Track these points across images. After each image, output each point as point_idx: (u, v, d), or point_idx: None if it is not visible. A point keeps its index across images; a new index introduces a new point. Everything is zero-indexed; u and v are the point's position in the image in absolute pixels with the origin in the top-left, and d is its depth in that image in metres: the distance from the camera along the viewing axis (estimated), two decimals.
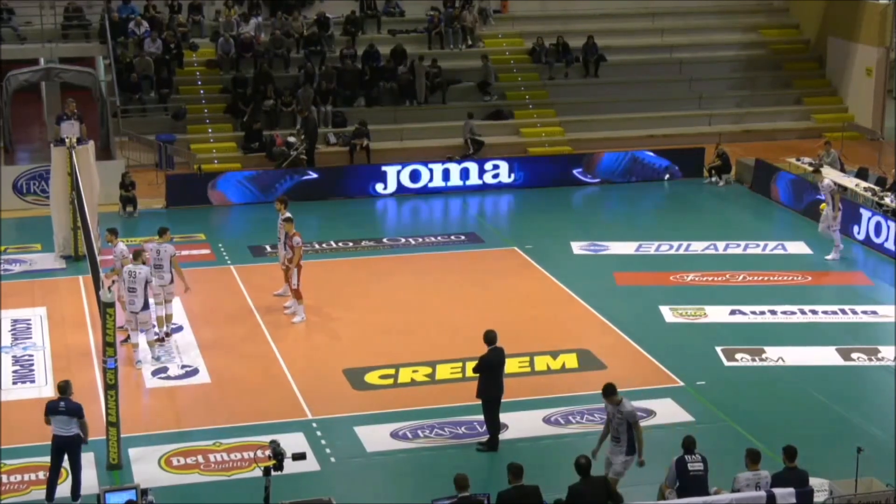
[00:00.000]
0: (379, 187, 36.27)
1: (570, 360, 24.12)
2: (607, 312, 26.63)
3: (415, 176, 36.44)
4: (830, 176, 32.21)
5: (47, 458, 18.86)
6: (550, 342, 24.99)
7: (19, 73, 39.10)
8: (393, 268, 29.96)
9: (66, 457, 18.52)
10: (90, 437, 18.82)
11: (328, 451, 20.43)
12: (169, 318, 25.18)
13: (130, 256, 24.16)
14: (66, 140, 30.16)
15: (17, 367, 23.62)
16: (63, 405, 18.41)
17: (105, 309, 19.46)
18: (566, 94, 43.35)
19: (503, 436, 20.64)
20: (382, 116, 41.08)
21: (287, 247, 25.98)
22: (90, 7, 43.25)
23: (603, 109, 42.91)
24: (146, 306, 23.59)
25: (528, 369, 23.64)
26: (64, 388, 18.62)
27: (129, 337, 23.97)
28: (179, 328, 25.74)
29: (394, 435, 20.96)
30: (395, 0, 45.49)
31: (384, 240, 32.18)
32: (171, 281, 25.02)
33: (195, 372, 23.65)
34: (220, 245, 31.52)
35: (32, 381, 23.11)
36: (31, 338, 25.24)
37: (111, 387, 19.45)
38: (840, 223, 30.35)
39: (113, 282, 24.15)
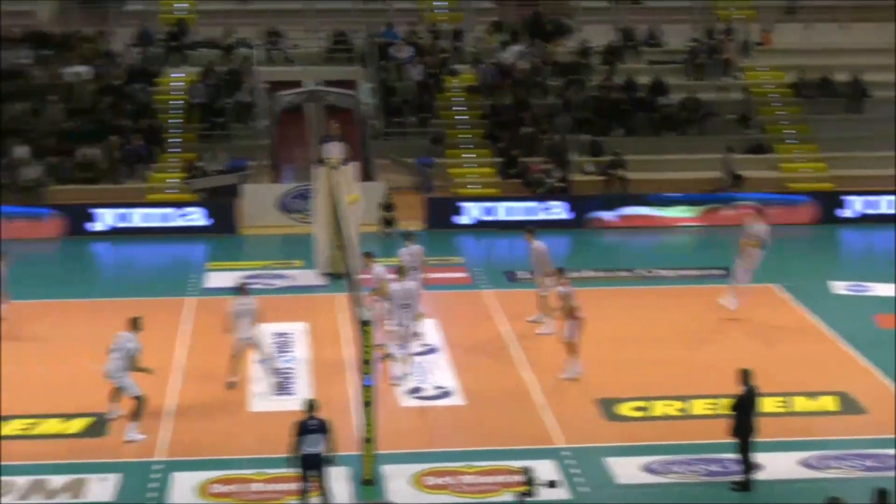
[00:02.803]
0: (630, 217, 36.10)
1: (830, 403, 23.47)
2: (868, 355, 25.84)
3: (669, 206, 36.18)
4: None
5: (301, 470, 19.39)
6: (808, 383, 24.38)
7: (286, 95, 40.29)
8: (647, 299, 29.72)
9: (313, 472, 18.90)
10: (336, 453, 19.13)
11: (579, 480, 20.33)
12: (416, 335, 25.45)
13: (389, 276, 24.59)
14: (330, 160, 30.91)
15: (278, 380, 24.21)
16: (314, 423, 18.79)
17: (363, 327, 19.80)
18: (829, 129, 42.28)
19: (757, 476, 20.20)
20: (640, 146, 40.82)
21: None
22: (355, 32, 44.34)
23: (867, 146, 41.64)
24: (401, 323, 23.96)
25: (785, 409, 23.09)
26: (312, 406, 19.02)
27: (387, 354, 24.42)
28: (434, 349, 26.06)
29: (646, 468, 20.73)
30: (656, 30, 45.27)
31: (638, 270, 31.95)
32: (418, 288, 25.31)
33: (449, 393, 23.88)
34: (476, 269, 31.81)
35: (291, 394, 23.68)
36: (291, 351, 25.92)
37: (368, 404, 19.76)
38: None
39: (373, 301, 24.61)
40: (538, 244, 27.29)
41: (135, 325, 22.16)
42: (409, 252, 26.80)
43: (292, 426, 18.67)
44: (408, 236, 27.51)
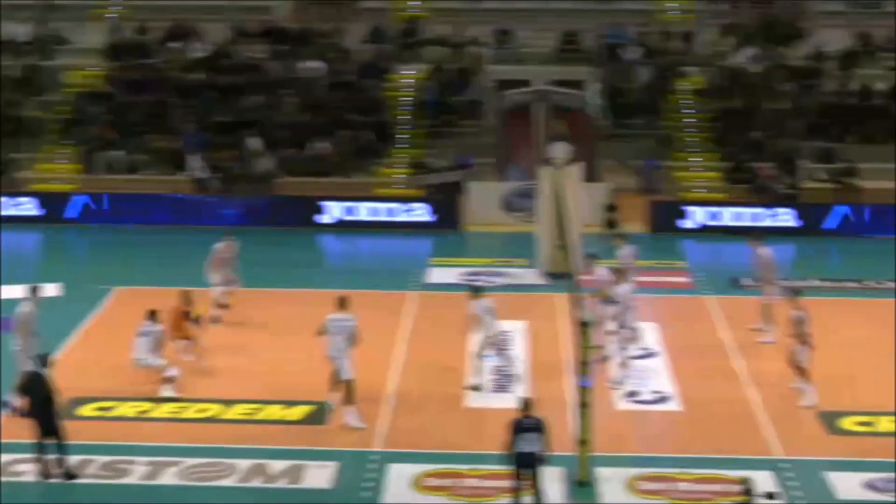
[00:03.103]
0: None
1: None
2: None
3: None
4: None
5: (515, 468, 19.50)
6: None
7: (514, 94, 40.42)
8: (874, 311, 28.83)
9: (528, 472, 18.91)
10: (549, 452, 19.10)
11: (797, 493, 19.87)
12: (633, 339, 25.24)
13: (614, 279, 24.48)
14: (555, 161, 30.85)
15: (496, 377, 24.34)
16: (530, 422, 18.79)
17: (582, 328, 19.72)
18: None
19: None
20: (875, 155, 39.61)
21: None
22: (586, 32, 44.20)
23: None
24: (625, 325, 23.79)
25: None
26: (528, 405, 19.01)
27: (605, 357, 24.32)
28: (653, 354, 25.83)
29: (868, 485, 20.12)
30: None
31: (866, 281, 31.08)
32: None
33: (667, 398, 23.63)
34: (699, 274, 31.42)
35: (509, 392, 23.75)
36: (510, 349, 26.00)
37: (584, 405, 19.68)
38: None
39: (593, 302, 24.54)
40: (764, 251, 26.78)
41: (342, 304, 22.56)
42: (623, 254, 26.64)
43: (508, 424, 18.71)
44: (622, 238, 27.38)
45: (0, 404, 22.09)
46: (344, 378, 22.12)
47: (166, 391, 23.21)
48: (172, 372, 23.42)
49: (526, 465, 18.69)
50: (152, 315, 23.70)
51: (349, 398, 22.11)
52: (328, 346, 22.29)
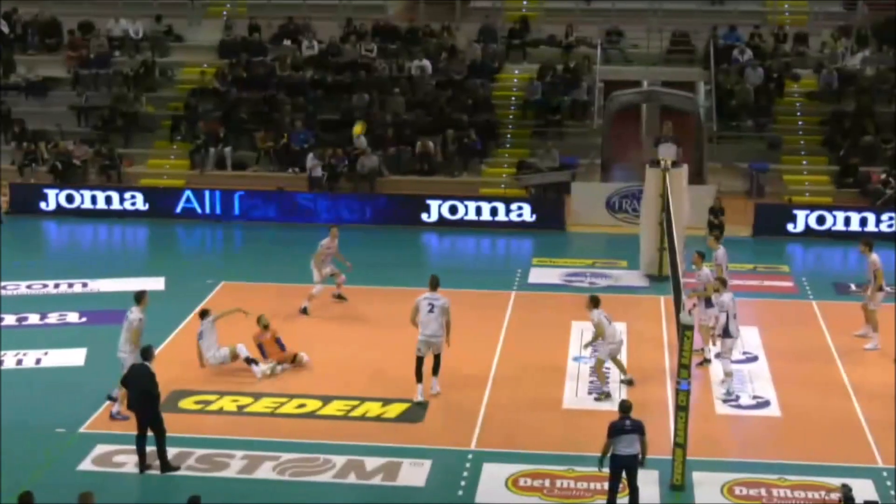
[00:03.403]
0: None
1: None
2: None
3: None
4: None
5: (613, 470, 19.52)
6: None
7: (622, 95, 40.23)
8: None
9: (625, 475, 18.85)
10: (649, 455, 19.02)
11: None
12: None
13: (716, 283, 24.28)
14: (662, 162, 30.71)
15: (594, 379, 24.23)
16: (629, 424, 18.71)
17: (683, 331, 19.59)
18: None
19: None
20: None
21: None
22: (697, 33, 43.88)
23: None
24: (728, 333, 23.54)
25: None
26: (628, 407, 18.93)
27: (705, 360, 24.15)
28: (755, 358, 25.57)
29: None
30: None
31: None
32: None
33: (766, 404, 23.36)
34: (804, 278, 31.05)
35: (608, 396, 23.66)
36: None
37: (682, 408, 19.53)
38: None
39: (694, 305, 24.36)
40: (874, 257, 26.36)
41: (434, 284, 23.37)
42: (717, 255, 26.35)
43: (609, 427, 18.67)
44: (716, 239, 27.17)
45: (107, 398, 22.48)
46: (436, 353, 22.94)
47: (259, 367, 24.07)
48: (244, 352, 24.06)
49: (623, 467, 18.66)
50: (203, 314, 24.23)
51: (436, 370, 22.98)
52: (422, 327, 22.68)
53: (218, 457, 20.71)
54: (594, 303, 23.56)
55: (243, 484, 19.97)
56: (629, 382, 23.91)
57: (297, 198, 37.10)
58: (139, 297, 22.41)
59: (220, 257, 34.96)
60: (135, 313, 21.99)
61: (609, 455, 18.66)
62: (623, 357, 24.61)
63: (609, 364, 23.85)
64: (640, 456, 18.74)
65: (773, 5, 45.58)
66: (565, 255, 33.46)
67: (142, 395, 20.03)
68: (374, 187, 38.59)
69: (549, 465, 20.53)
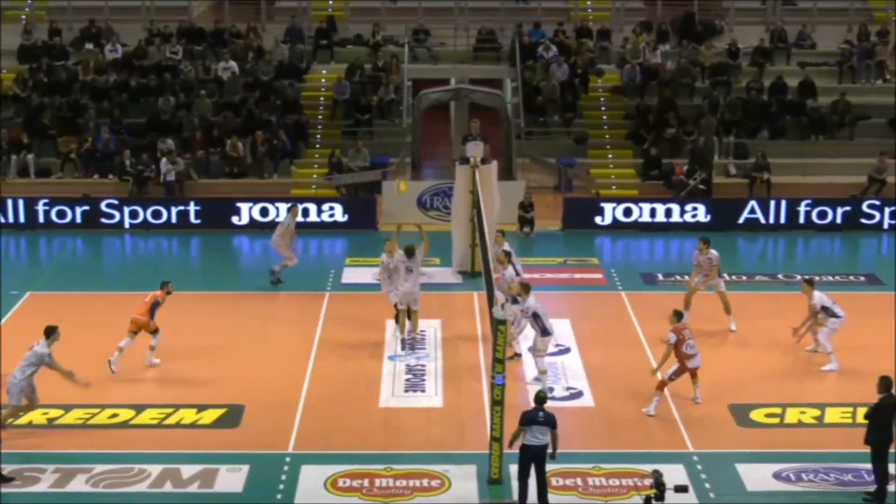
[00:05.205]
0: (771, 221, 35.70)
1: None
2: None
3: (821, 214, 35.64)
4: None
5: (430, 466, 19.98)
6: None
7: (431, 93, 40.42)
8: (791, 304, 29.04)
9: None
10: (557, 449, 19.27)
11: (707, 485, 20.03)
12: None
13: (516, 282, 24.57)
14: (471, 159, 30.92)
15: (410, 376, 24.33)
16: (542, 415, 18.90)
17: (497, 326, 19.77)
18: None
19: (892, 487, 19.68)
20: (786, 150, 40.11)
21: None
22: (502, 30, 44.35)
23: None
24: (546, 332, 23.80)
25: None
26: (543, 398, 19.22)
27: (515, 354, 24.41)
28: (567, 350, 25.93)
29: (776, 476, 20.32)
30: (807, 32, 44.45)
31: (779, 275, 31.43)
32: None
33: (580, 394, 23.72)
34: (612, 270, 31.60)
35: (423, 391, 23.75)
36: (424, 348, 26.00)
37: (497, 403, 19.72)
38: None
39: (506, 300, 24.58)
40: (714, 253, 27.04)
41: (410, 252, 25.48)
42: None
43: (521, 416, 19.02)
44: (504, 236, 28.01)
45: None
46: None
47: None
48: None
49: (532, 457, 18.98)
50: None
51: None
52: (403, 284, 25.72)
53: (28, 471, 20.16)
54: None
55: (55, 497, 19.47)
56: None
57: (103, 204, 36.23)
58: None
59: (25, 267, 34.02)
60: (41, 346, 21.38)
61: (519, 445, 18.98)
62: (439, 354, 24.79)
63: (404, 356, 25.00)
64: (549, 448, 19.02)
65: (576, 3, 46.26)
66: (378, 255, 33.30)
67: None
68: (183, 191, 37.99)
69: (367, 465, 20.49)
